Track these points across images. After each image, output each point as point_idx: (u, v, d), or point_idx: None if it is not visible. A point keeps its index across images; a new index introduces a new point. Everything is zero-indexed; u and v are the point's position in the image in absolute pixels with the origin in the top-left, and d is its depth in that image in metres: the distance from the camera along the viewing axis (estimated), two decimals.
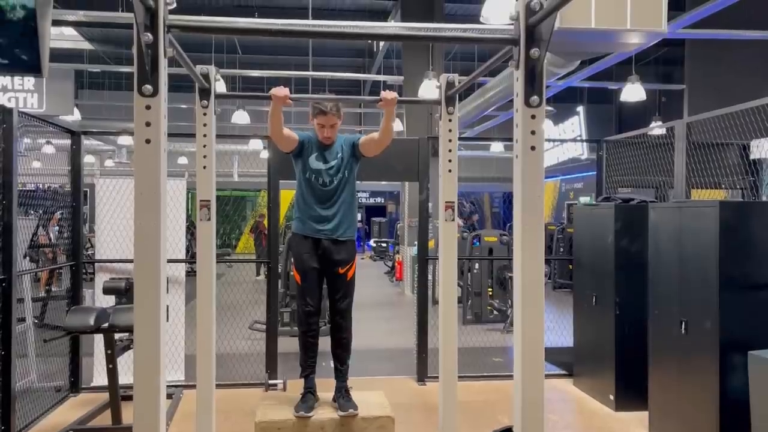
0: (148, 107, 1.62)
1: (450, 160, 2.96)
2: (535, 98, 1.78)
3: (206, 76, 2.63)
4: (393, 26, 10.33)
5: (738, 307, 3.46)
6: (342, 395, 3.66)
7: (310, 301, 3.63)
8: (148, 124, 1.62)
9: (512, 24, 1.84)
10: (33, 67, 4.62)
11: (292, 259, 3.87)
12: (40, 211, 7.04)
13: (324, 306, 4.64)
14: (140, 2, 1.57)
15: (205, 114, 2.69)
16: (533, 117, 1.79)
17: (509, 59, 1.92)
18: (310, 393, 3.64)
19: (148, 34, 1.60)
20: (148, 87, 1.61)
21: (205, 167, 2.70)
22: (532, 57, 1.77)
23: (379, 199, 26.06)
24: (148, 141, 1.61)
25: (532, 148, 1.80)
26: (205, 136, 2.68)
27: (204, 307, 2.73)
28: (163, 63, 1.63)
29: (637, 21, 6.54)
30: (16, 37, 4.64)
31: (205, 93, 2.68)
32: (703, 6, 8.33)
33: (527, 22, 1.76)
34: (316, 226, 3.62)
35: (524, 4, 1.78)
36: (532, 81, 1.78)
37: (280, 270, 7.68)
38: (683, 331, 3.77)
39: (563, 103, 17.78)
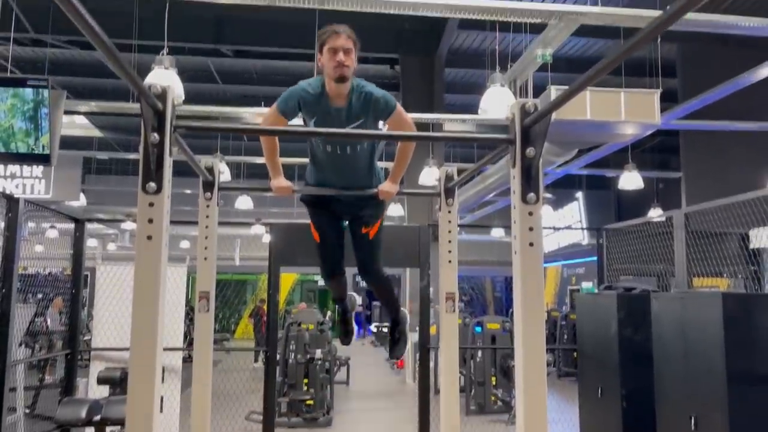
0: (151, 204, 1.65)
1: (450, 251, 2.97)
2: (531, 195, 1.81)
3: (210, 169, 2.69)
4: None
5: (748, 402, 3.38)
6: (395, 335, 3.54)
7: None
8: (150, 221, 1.64)
9: (509, 111, 1.90)
10: (43, 157, 4.76)
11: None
12: (39, 296, 7.00)
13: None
14: (148, 104, 1.64)
15: (208, 206, 2.73)
16: (530, 214, 1.82)
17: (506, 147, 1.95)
18: None
19: (155, 134, 1.65)
20: (152, 185, 1.65)
21: (206, 258, 2.71)
22: (528, 156, 1.82)
23: None
24: (149, 237, 1.63)
25: (531, 244, 1.81)
26: (207, 227, 2.71)
27: (199, 401, 2.67)
28: (168, 161, 1.68)
29: (631, 113, 6.77)
30: (28, 129, 4.80)
31: (208, 185, 2.73)
32: (695, 98, 8.62)
33: (522, 123, 1.82)
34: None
35: (519, 105, 1.84)
36: (529, 179, 1.82)
37: (278, 358, 7.54)
38: (693, 427, 3.65)
39: (562, 188, 18.04)
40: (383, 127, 2.90)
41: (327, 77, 2.72)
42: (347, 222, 3.17)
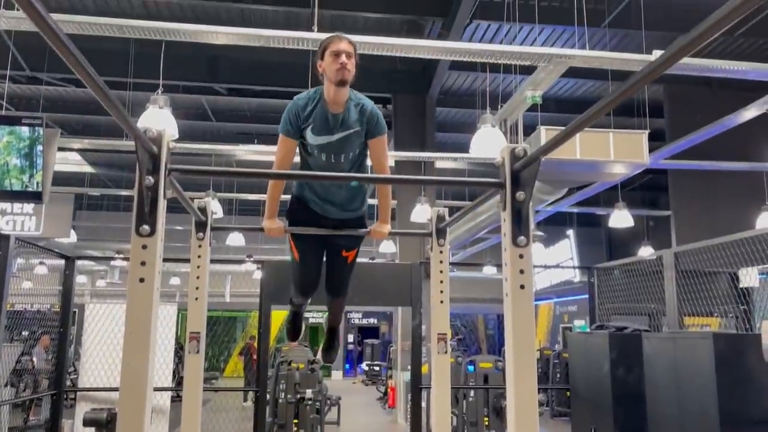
0: (144, 246, 1.66)
1: (442, 291, 2.98)
2: (522, 239, 1.83)
3: (203, 210, 2.71)
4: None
5: None
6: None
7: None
8: (143, 263, 1.65)
9: (499, 155, 1.94)
10: (35, 195, 4.76)
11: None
12: (26, 333, 6.90)
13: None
14: (144, 148, 1.66)
15: (200, 246, 2.74)
16: (521, 256, 1.84)
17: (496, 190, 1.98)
18: None
19: (150, 177, 1.67)
20: (146, 227, 1.66)
21: (197, 299, 2.70)
22: (518, 200, 1.84)
23: (372, 320, 25.73)
24: (142, 280, 1.64)
25: (522, 286, 1.83)
26: (199, 267, 2.71)
27: None
28: (162, 204, 1.69)
29: (620, 153, 6.87)
30: (23, 166, 4.81)
31: (201, 225, 2.74)
32: (682, 139, 8.77)
33: (512, 168, 1.85)
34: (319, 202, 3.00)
35: (509, 150, 1.88)
36: (519, 222, 1.84)
37: (268, 398, 7.43)
38: None
39: (554, 226, 18.13)
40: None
41: (327, 81, 2.75)
42: (328, 243, 3.14)
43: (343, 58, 2.70)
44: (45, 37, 1.15)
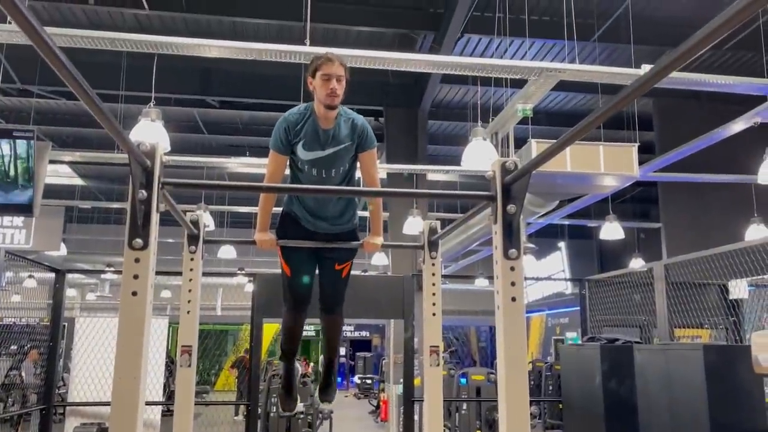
0: (137, 260, 1.66)
1: (434, 304, 2.99)
2: (513, 251, 1.85)
3: (195, 223, 2.71)
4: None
5: None
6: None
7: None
8: (136, 277, 1.65)
9: (490, 169, 1.95)
10: (25, 208, 4.74)
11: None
12: (14, 347, 6.83)
13: None
14: (137, 162, 1.66)
15: (192, 259, 2.74)
16: (512, 269, 1.85)
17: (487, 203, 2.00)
18: None
19: (143, 191, 1.67)
20: (139, 241, 1.66)
21: (189, 312, 2.70)
22: (509, 212, 1.86)
23: (364, 333, 25.64)
24: (134, 293, 1.64)
25: (513, 299, 1.84)
26: (191, 280, 2.71)
27: None
28: (155, 217, 1.70)
29: (610, 166, 6.93)
30: (11, 181, 4.79)
31: (193, 239, 2.74)
32: (672, 151, 8.85)
33: (503, 181, 1.87)
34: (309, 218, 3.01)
35: (500, 164, 1.90)
36: (510, 235, 1.86)
37: (259, 412, 7.38)
38: None
39: (545, 238, 18.18)
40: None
41: (317, 102, 2.81)
42: (320, 257, 3.13)
43: (334, 83, 2.75)
44: (39, 51, 1.16)
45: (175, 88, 11.30)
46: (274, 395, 8.09)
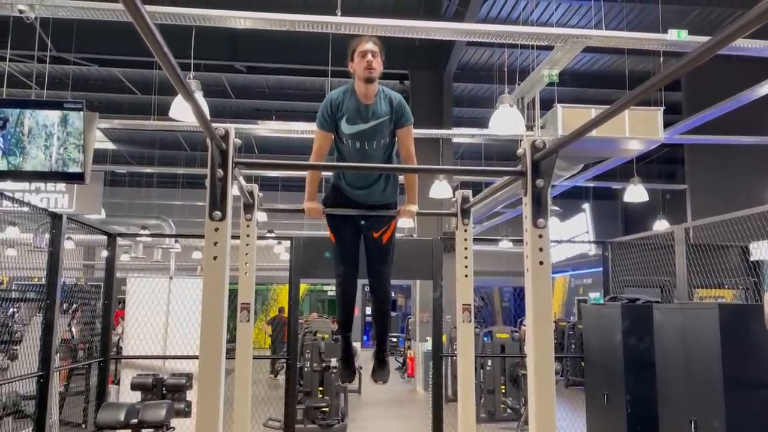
0: (216, 229, 1.93)
1: (466, 266, 3.23)
2: (541, 220, 2.08)
3: (251, 193, 2.98)
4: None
5: (743, 407, 3.61)
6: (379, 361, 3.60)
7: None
8: (215, 244, 1.92)
9: (517, 134, 2.18)
10: (78, 176, 5.07)
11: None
12: (65, 306, 7.27)
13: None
14: (216, 146, 1.92)
15: (248, 225, 3.02)
16: (540, 236, 2.08)
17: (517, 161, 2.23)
18: None
19: (220, 170, 1.93)
20: (218, 213, 1.92)
21: (246, 273, 3.00)
22: (537, 186, 2.08)
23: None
24: (215, 258, 1.91)
25: (540, 263, 2.08)
26: (247, 245, 3.00)
27: (240, 406, 2.94)
28: (230, 192, 1.96)
29: (635, 130, 7.04)
30: (64, 151, 5.10)
31: (249, 207, 3.02)
32: (699, 114, 8.87)
33: (533, 158, 2.09)
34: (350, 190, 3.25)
35: (530, 142, 2.11)
36: (538, 206, 2.08)
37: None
38: (693, 430, 3.89)
39: (570, 199, 18.24)
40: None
41: (357, 79, 3.07)
42: (360, 226, 3.36)
43: (369, 57, 3.02)
44: (138, 28, 1.35)
45: (205, 53, 11.49)
46: (308, 351, 8.51)
